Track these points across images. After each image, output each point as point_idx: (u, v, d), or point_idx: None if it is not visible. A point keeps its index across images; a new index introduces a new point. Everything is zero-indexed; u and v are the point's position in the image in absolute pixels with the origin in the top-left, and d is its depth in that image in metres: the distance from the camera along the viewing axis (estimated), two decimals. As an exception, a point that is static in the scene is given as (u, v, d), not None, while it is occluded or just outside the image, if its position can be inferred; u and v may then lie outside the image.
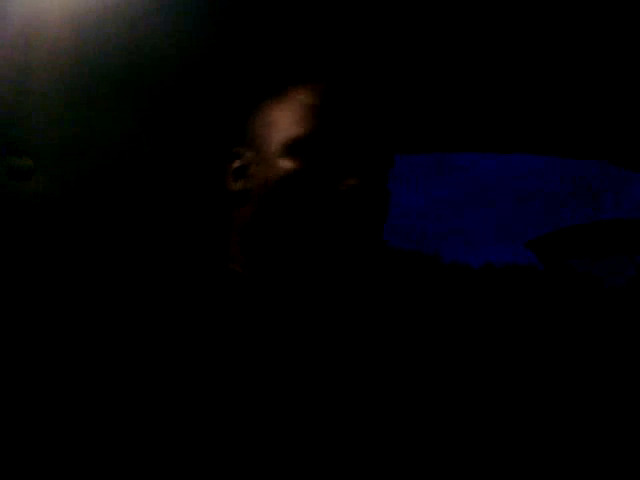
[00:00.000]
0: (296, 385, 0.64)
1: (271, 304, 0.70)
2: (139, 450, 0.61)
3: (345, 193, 0.67)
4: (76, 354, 0.68)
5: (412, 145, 1.34)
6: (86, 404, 0.64)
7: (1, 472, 0.62)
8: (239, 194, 0.74)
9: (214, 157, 0.80)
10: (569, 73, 1.08)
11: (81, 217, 1.05)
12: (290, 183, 0.69)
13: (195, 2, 0.82)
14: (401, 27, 0.97)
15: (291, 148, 0.70)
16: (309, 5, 0.86)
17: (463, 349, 0.75)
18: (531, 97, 1.17)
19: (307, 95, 0.73)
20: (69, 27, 0.79)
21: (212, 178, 0.90)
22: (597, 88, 1.12)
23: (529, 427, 0.75)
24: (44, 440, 0.63)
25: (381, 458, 0.64)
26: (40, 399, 0.65)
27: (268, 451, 0.61)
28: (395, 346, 0.72)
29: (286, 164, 0.70)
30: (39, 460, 0.62)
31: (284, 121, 0.72)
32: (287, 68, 0.91)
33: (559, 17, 0.94)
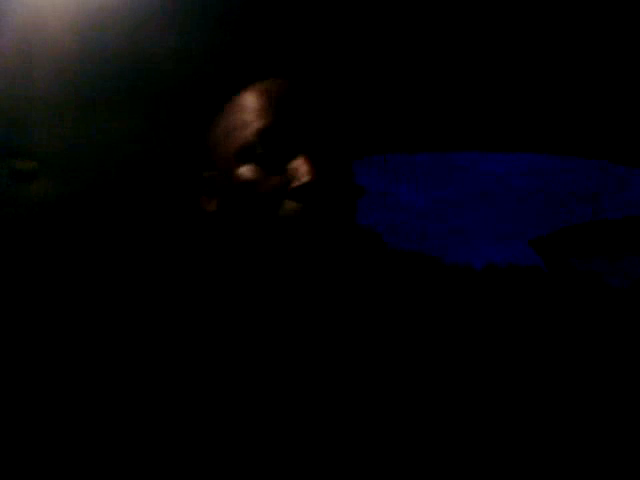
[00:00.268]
0: (293, 379, 0.65)
1: (250, 316, 0.70)
2: (140, 444, 0.62)
3: (297, 190, 0.66)
4: (78, 352, 0.69)
5: (413, 145, 1.34)
6: (85, 396, 0.64)
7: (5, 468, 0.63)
8: (212, 215, 0.74)
9: (191, 175, 0.80)
10: (569, 73, 1.08)
11: (83, 218, 1.06)
12: (245, 191, 0.68)
13: (193, 9, 0.83)
14: (400, 25, 0.97)
15: (241, 155, 0.70)
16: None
17: (465, 349, 0.75)
18: (532, 97, 1.17)
19: (250, 99, 0.73)
20: (71, 32, 0.80)
21: (190, 197, 0.90)
22: (597, 88, 1.12)
23: (533, 428, 0.75)
24: (45, 436, 0.64)
25: (379, 455, 0.64)
26: (40, 395, 0.66)
27: (263, 440, 0.61)
28: (397, 346, 0.73)
29: (239, 173, 0.69)
30: (40, 457, 0.63)
31: (231, 130, 0.72)
32: (239, 75, 0.91)
33: (560, 17, 0.95)
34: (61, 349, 0.72)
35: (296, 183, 0.66)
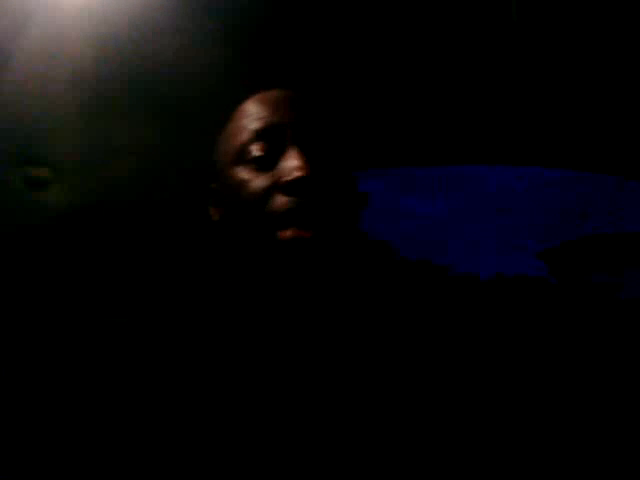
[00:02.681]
0: (297, 381, 0.65)
1: (257, 320, 0.71)
2: (147, 441, 0.62)
3: (288, 185, 0.67)
4: (88, 355, 0.70)
5: (421, 157, 1.34)
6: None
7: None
8: (219, 223, 0.75)
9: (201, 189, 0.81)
10: (586, 87, 1.08)
11: (96, 226, 1.07)
12: (240, 192, 0.69)
13: (210, 22, 0.84)
14: (411, 37, 0.97)
15: (237, 158, 0.71)
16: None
17: (472, 358, 0.75)
18: (545, 110, 1.17)
19: (246, 107, 0.74)
20: (87, 42, 0.81)
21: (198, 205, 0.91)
22: (615, 103, 1.12)
23: (540, 434, 0.75)
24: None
25: (383, 455, 0.64)
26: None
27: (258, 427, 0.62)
28: (403, 354, 0.72)
29: (235, 175, 0.70)
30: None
31: (229, 138, 0.74)
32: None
33: (574, 33, 0.95)
34: (72, 353, 0.72)
35: (286, 178, 0.66)
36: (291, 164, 0.67)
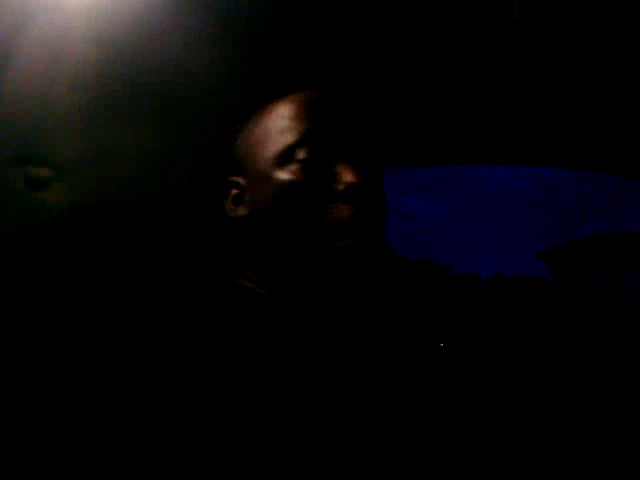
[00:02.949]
0: (307, 395, 0.65)
1: (285, 317, 0.70)
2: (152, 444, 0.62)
3: (345, 192, 0.67)
4: (89, 356, 0.69)
5: (425, 157, 1.34)
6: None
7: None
8: (240, 220, 0.74)
9: (215, 182, 0.81)
10: (586, 88, 1.08)
11: (97, 227, 1.06)
12: (289, 193, 0.68)
13: (215, 22, 0.84)
14: (417, 40, 0.97)
15: (282, 159, 0.70)
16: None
17: (474, 356, 0.75)
18: (547, 111, 1.17)
19: (287, 107, 0.73)
20: (90, 42, 0.81)
21: (214, 202, 0.91)
22: (615, 103, 1.12)
23: (542, 436, 0.75)
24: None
25: (386, 455, 0.64)
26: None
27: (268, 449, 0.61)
28: (405, 353, 0.72)
29: (281, 176, 0.69)
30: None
31: (269, 136, 0.73)
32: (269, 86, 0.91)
33: (576, 33, 0.95)
34: (72, 352, 0.72)
35: (344, 185, 0.66)
36: (348, 172, 0.67)
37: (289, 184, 0.68)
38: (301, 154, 0.69)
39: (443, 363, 0.73)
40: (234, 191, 0.76)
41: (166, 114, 1.01)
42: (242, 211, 0.74)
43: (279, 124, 0.72)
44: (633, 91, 1.07)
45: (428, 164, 1.35)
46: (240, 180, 0.75)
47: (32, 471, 0.63)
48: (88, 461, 0.62)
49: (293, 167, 0.69)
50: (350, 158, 0.69)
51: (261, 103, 0.78)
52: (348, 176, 0.67)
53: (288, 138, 0.70)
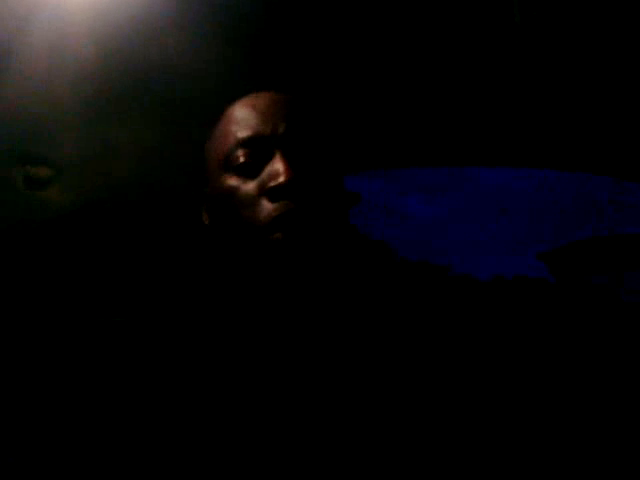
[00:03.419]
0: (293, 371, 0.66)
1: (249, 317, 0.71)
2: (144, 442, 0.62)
3: (274, 190, 0.68)
4: (86, 350, 0.70)
5: (422, 158, 1.34)
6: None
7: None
8: (209, 227, 0.76)
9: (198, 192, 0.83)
10: (586, 89, 1.09)
11: (95, 225, 1.07)
12: (230, 199, 0.70)
13: (211, 24, 0.84)
14: (412, 39, 0.98)
15: (224, 165, 0.71)
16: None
17: (470, 360, 0.75)
18: (545, 113, 1.17)
19: (234, 111, 0.74)
20: (89, 43, 0.81)
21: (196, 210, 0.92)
22: (612, 106, 1.12)
23: (541, 442, 0.75)
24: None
25: (382, 453, 0.64)
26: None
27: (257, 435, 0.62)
28: (402, 356, 0.72)
29: (224, 183, 0.71)
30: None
31: (215, 142, 0.74)
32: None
33: (576, 36, 0.95)
34: (71, 349, 0.72)
35: (271, 184, 0.67)
36: (275, 170, 0.68)
37: (227, 189, 0.71)
38: (240, 158, 0.71)
39: (443, 363, 0.73)
40: (204, 199, 0.78)
41: (166, 113, 1.02)
42: (207, 219, 0.76)
43: (226, 128, 0.74)
44: (632, 93, 1.08)
45: (428, 165, 1.35)
46: (208, 189, 0.77)
47: (31, 468, 0.63)
48: (86, 451, 0.62)
49: (233, 172, 0.71)
50: (284, 157, 0.70)
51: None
52: (277, 174, 0.68)
53: (230, 143, 0.72)
